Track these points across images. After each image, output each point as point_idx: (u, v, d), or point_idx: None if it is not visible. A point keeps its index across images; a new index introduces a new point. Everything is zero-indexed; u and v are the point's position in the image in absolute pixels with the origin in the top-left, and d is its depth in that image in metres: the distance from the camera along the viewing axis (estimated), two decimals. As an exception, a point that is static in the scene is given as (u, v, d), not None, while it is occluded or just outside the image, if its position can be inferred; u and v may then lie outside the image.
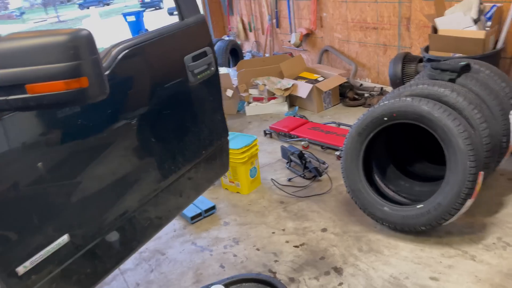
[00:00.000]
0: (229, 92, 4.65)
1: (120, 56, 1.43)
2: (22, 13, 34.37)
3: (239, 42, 6.91)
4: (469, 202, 2.09)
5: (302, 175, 3.14)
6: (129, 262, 2.42)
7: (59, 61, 0.99)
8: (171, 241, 2.61)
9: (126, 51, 1.46)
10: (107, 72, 1.39)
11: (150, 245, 2.56)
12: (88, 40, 1.01)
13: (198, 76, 1.79)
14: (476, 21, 3.15)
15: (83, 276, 1.43)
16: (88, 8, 33.10)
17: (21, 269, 1.20)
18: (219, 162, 2.09)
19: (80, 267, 1.41)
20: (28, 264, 1.21)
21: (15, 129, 1.18)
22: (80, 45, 1.00)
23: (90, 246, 1.43)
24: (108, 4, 38.13)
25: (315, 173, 3.06)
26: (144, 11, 17.59)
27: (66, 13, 33.79)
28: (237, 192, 3.06)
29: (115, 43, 1.46)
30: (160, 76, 1.65)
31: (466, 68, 2.43)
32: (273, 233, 2.56)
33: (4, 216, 1.16)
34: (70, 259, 1.36)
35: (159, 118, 1.66)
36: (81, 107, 1.34)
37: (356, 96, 4.57)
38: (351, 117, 4.15)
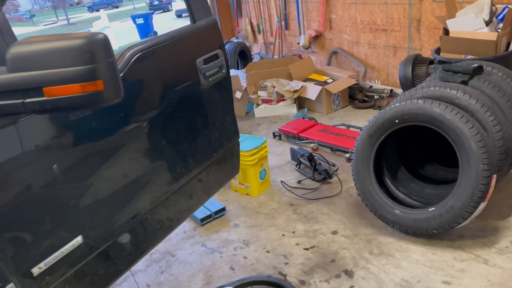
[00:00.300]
0: (238, 94, 4.65)
1: (133, 59, 1.45)
2: (33, 16, 34.77)
3: (247, 44, 6.92)
4: (482, 205, 2.06)
5: (311, 177, 3.14)
6: (139, 264, 2.43)
7: (76, 64, 1.00)
8: (181, 242, 2.61)
9: (140, 54, 1.47)
10: (120, 75, 1.40)
11: (161, 246, 2.57)
12: (104, 44, 1.02)
13: (210, 79, 1.80)
14: (488, 23, 3.13)
15: (96, 278, 1.44)
16: (97, 10, 33.39)
17: (36, 270, 1.21)
18: (229, 164, 2.10)
19: (93, 269, 1.42)
20: (43, 265, 1.22)
21: (31, 131, 1.20)
22: (96, 48, 1.01)
23: (103, 247, 1.44)
24: (117, 7, 38.44)
25: (325, 175, 3.06)
26: (152, 13, 17.70)
27: (75, 16, 34.12)
28: (247, 194, 3.06)
29: (129, 46, 1.47)
30: (172, 79, 1.66)
31: (479, 70, 2.41)
32: (283, 235, 2.56)
33: (20, 217, 1.18)
34: (83, 261, 1.37)
35: (171, 120, 1.67)
36: (94, 110, 1.35)
37: (366, 98, 4.55)
38: (361, 119, 4.13)
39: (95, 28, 17.94)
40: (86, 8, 39.90)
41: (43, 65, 1.02)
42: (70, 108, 1.08)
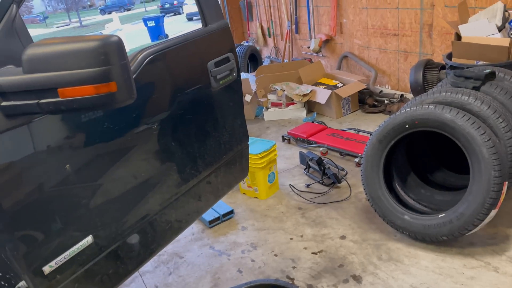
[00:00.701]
0: (248, 97, 4.67)
1: (146, 61, 1.46)
2: (46, 18, 35.25)
3: (258, 47, 6.94)
4: (493, 213, 2.04)
5: (320, 181, 3.13)
6: (148, 265, 2.45)
7: (90, 66, 1.02)
8: (189, 244, 2.62)
9: (152, 56, 1.49)
10: (133, 77, 1.41)
11: (169, 248, 2.58)
12: (118, 46, 1.04)
13: (220, 82, 1.81)
14: (500, 29, 3.10)
15: (106, 277, 1.45)
16: (109, 13, 33.73)
17: (47, 269, 1.22)
18: (238, 167, 2.10)
19: (103, 268, 1.43)
20: (53, 264, 1.24)
21: (44, 131, 1.21)
22: (110, 51, 1.03)
23: (113, 247, 1.46)
24: (129, 10, 38.81)
25: (334, 180, 3.05)
26: (164, 16, 17.85)
27: (88, 18, 34.51)
28: (255, 197, 3.07)
29: (142, 48, 1.49)
30: (183, 81, 1.67)
31: (491, 76, 2.39)
32: (291, 239, 2.55)
33: (32, 216, 1.19)
34: (93, 260, 1.38)
35: (181, 122, 1.68)
36: (106, 110, 1.37)
37: (376, 103, 4.53)
38: (371, 124, 4.12)
39: (107, 30, 18.13)
40: (99, 10, 40.34)
41: (58, 66, 1.04)
42: (83, 109, 1.10)
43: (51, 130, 1.25)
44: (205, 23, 1.78)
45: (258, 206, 2.96)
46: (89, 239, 1.34)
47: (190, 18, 22.68)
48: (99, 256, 1.40)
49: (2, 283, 1.12)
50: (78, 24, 30.76)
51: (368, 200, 2.48)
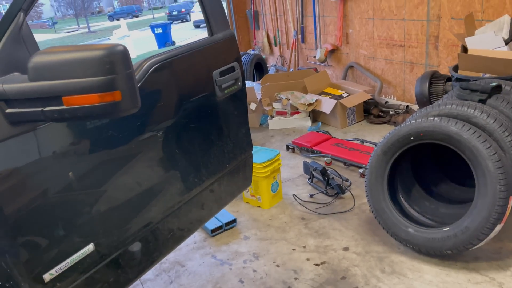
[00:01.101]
0: (253, 106, 4.67)
1: (151, 70, 1.47)
2: (55, 23, 35.64)
3: (264, 56, 6.96)
4: (498, 227, 2.02)
5: (324, 191, 3.11)
6: (149, 273, 2.44)
7: (95, 74, 1.02)
8: (191, 253, 2.61)
9: (157, 65, 1.49)
10: (138, 85, 1.42)
11: (171, 256, 2.57)
12: (123, 56, 1.04)
13: (225, 91, 1.81)
14: (507, 42, 3.09)
15: (106, 285, 1.45)
16: (118, 19, 34.04)
17: (47, 276, 1.22)
18: (242, 176, 2.10)
19: (104, 277, 1.43)
20: (54, 272, 1.23)
21: (48, 138, 1.22)
22: (116, 60, 1.03)
23: (114, 255, 1.45)
24: (137, 16, 39.18)
25: (338, 190, 3.03)
26: (171, 23, 17.99)
27: (96, 24, 34.86)
28: (258, 206, 3.05)
29: (147, 57, 1.50)
30: (188, 90, 1.68)
31: (497, 89, 2.38)
32: (293, 249, 2.54)
33: (34, 223, 1.19)
34: (94, 268, 1.38)
35: (185, 131, 1.68)
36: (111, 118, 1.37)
37: (381, 114, 4.52)
38: (375, 135, 4.10)
39: (115, 36, 18.27)
40: (107, 16, 40.78)
41: (63, 74, 1.04)
42: (88, 117, 1.10)
43: (56, 137, 1.25)
44: (211, 33, 1.79)
45: (261, 216, 2.95)
46: (90, 247, 1.33)
47: (197, 25, 22.86)
48: (100, 264, 1.40)
49: None
50: (87, 30, 31.07)
51: (372, 211, 2.46)
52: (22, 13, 1.14)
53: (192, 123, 1.71)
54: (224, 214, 2.87)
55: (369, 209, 2.50)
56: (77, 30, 32.27)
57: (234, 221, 2.84)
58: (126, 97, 1.06)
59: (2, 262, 1.10)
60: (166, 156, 1.62)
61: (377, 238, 2.53)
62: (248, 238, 2.70)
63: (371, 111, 4.54)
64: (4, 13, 1.13)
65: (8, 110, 1.08)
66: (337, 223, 2.75)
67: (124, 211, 1.48)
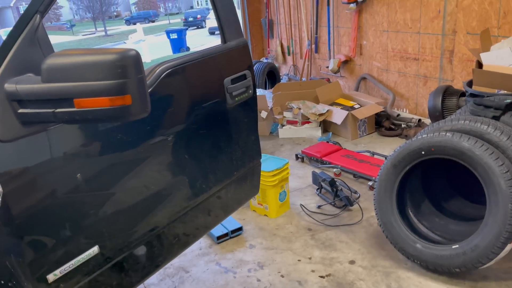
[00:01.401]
0: (264, 114, 4.67)
1: (163, 75, 1.48)
2: (73, 26, 36.23)
3: (277, 65, 6.98)
4: (508, 247, 1.98)
5: (332, 203, 3.09)
6: (153, 277, 2.43)
7: (107, 78, 1.03)
8: (196, 259, 2.60)
9: (169, 70, 1.50)
10: (149, 90, 1.43)
11: (175, 261, 2.57)
12: (135, 60, 1.05)
13: (236, 98, 1.81)
14: (523, 58, 3.05)
15: (109, 289, 1.44)
16: (134, 24, 34.50)
17: (51, 277, 1.22)
18: (249, 184, 2.09)
19: (107, 279, 1.43)
20: (58, 273, 1.24)
21: (59, 139, 1.23)
22: (128, 64, 1.04)
23: (118, 259, 1.45)
24: (153, 21, 39.67)
25: (346, 202, 3.00)
26: (186, 29, 18.16)
27: (113, 28, 35.36)
28: (265, 215, 3.04)
29: (160, 62, 1.51)
30: (199, 96, 1.68)
31: (511, 106, 2.35)
32: (299, 260, 2.51)
33: (40, 223, 1.20)
34: (98, 271, 1.38)
35: (195, 136, 1.69)
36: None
37: (393, 126, 4.49)
38: (386, 147, 4.07)
39: (131, 40, 18.51)
40: (124, 21, 41.36)
41: (75, 77, 1.05)
42: (98, 120, 1.11)
43: (64, 139, 1.26)
44: (224, 40, 1.80)
45: (267, 225, 2.93)
46: (95, 249, 1.34)
47: (212, 32, 23.04)
48: (104, 267, 1.40)
49: None
50: (103, 33, 31.52)
51: (380, 225, 2.43)
52: (38, 15, 1.16)
53: (201, 129, 1.71)
54: (231, 221, 2.86)
55: (377, 222, 2.47)
56: (94, 33, 32.77)
57: (240, 229, 2.83)
58: (136, 101, 1.07)
59: (6, 262, 1.11)
60: (175, 161, 1.63)
61: (384, 252, 2.50)
62: (254, 246, 2.69)
63: (383, 123, 4.51)
64: (22, 14, 1.14)
65: (20, 110, 1.10)
66: (344, 235, 2.72)
67: (130, 215, 1.49)
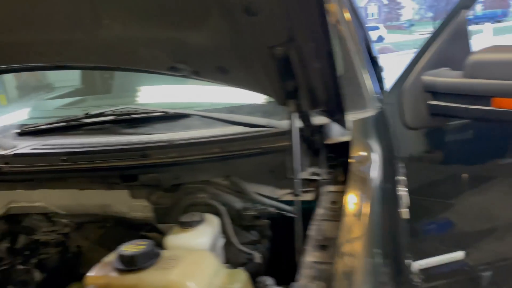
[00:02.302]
0: None
1: None
2: (411, 25, 36.93)
3: None
4: None
5: None
6: None
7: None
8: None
9: None
10: None
11: None
12: None
13: None
14: None
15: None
16: (477, 24, 31.85)
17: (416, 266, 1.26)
18: None
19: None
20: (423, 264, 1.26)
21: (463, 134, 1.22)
22: None
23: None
24: (499, 21, 35.44)
25: None
26: (547, 30, 15.19)
27: (452, 28, 33.76)
28: None
29: None
30: None
31: None
32: None
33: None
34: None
35: None
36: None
37: None
38: None
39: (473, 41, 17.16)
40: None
41: (500, 75, 0.99)
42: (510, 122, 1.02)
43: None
44: None
45: None
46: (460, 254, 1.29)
47: None
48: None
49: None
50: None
51: None
52: (464, 10, 1.16)
53: None
54: None
55: None
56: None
57: None
58: None
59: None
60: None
61: None
62: None
63: None
64: (450, 10, 1.18)
65: (431, 102, 1.14)
66: None
67: None
